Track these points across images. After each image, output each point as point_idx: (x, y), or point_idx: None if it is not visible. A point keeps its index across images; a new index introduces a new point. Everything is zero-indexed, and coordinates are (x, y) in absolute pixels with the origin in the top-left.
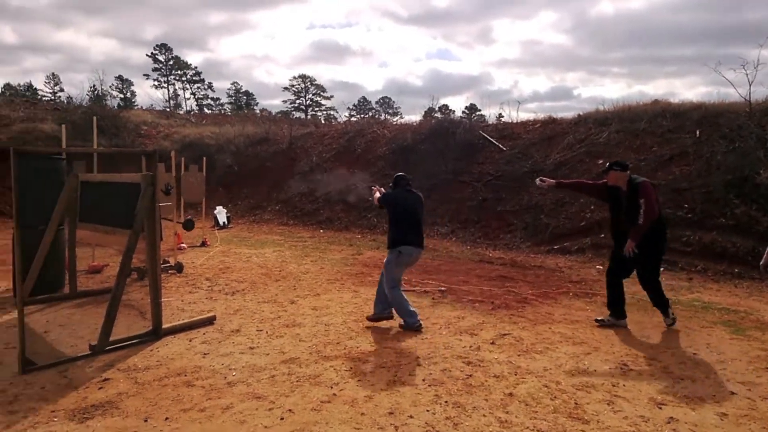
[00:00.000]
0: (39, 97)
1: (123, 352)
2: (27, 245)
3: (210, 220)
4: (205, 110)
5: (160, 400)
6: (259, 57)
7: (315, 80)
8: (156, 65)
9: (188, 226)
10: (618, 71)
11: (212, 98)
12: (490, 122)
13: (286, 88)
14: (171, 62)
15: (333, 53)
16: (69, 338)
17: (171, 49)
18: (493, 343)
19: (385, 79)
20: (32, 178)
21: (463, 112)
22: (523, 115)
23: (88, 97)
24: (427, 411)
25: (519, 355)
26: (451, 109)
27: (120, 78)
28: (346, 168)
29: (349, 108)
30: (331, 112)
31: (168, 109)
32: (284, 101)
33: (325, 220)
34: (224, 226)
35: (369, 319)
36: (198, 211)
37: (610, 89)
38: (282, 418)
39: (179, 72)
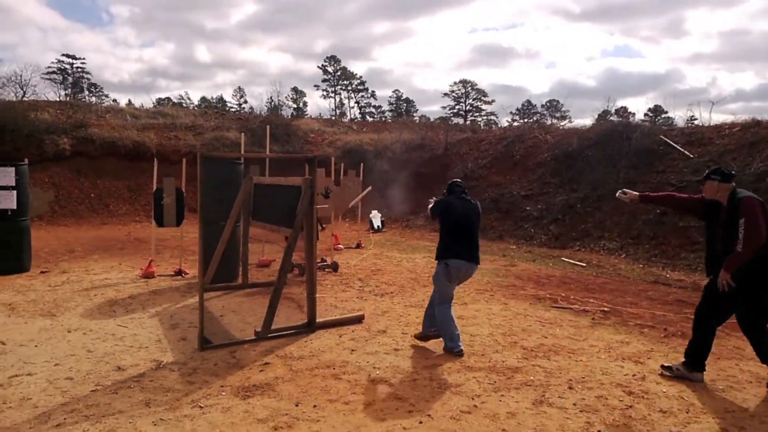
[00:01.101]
0: (227, 108)
1: (282, 340)
2: (209, 239)
3: (365, 224)
4: (367, 118)
5: (310, 389)
6: (420, 64)
7: (476, 84)
8: (325, 76)
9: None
10: None
11: (374, 106)
12: (677, 125)
13: (446, 94)
14: (338, 73)
15: (495, 56)
16: (239, 323)
17: (339, 61)
18: (662, 374)
19: (553, 80)
20: (216, 179)
21: (646, 114)
22: (720, 117)
23: (266, 108)
24: None
25: (694, 391)
26: (630, 112)
27: (295, 89)
28: (503, 175)
29: (511, 112)
30: (492, 117)
31: (333, 118)
32: (443, 107)
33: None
34: (378, 230)
35: (416, 337)
36: (355, 215)
37: None
38: (421, 422)
39: (346, 82)
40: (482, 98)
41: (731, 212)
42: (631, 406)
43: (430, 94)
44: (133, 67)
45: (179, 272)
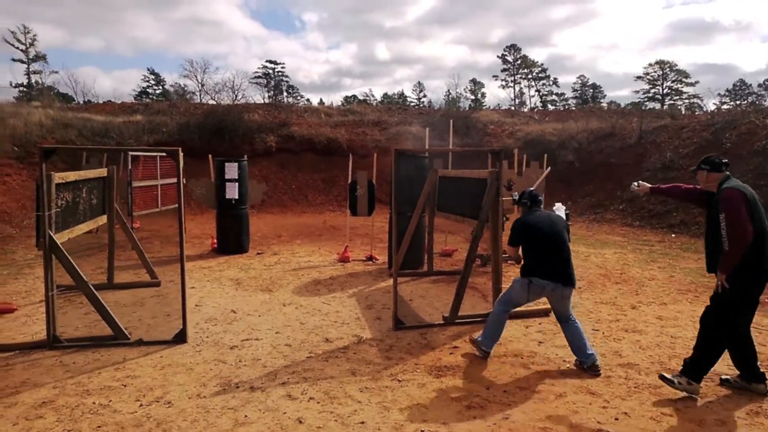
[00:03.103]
0: (407, 103)
1: (468, 327)
2: (399, 228)
3: None
4: (549, 106)
5: (500, 375)
6: (606, 46)
7: (675, 65)
8: (504, 66)
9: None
10: None
11: (556, 94)
12: None
13: (639, 77)
14: (518, 62)
15: (697, 32)
16: (427, 308)
17: (519, 49)
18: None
19: None
20: (405, 172)
21: None
22: None
23: (444, 101)
24: None
25: None
26: None
27: (473, 81)
28: None
29: (719, 94)
30: (695, 101)
31: (513, 108)
32: (636, 91)
33: (679, 223)
34: None
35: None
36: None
37: None
38: (616, 419)
39: (526, 71)
40: (683, 80)
41: (715, 205)
42: None
43: (619, 78)
44: (322, 68)
45: (370, 258)
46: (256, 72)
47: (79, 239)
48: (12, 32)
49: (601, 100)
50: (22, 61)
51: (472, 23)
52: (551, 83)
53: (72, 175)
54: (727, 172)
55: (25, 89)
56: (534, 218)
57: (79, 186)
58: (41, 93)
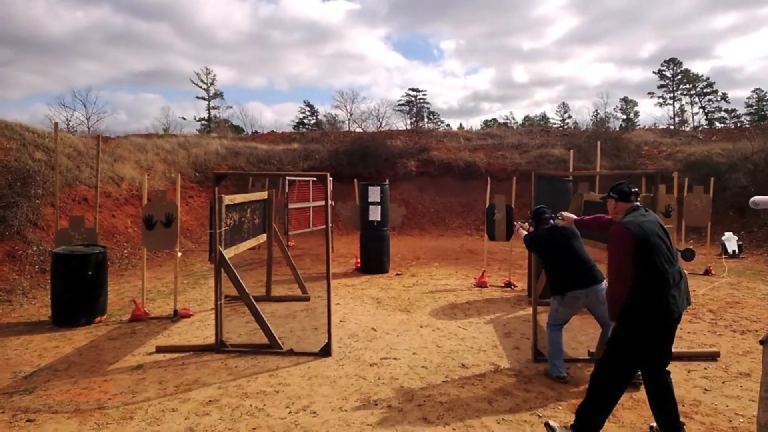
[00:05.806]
0: (549, 125)
1: None
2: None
3: (716, 247)
4: (716, 124)
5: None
6: None
7: None
8: (662, 81)
9: (688, 255)
10: None
11: (726, 110)
12: None
13: None
14: (679, 76)
15: None
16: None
17: (680, 63)
18: None
19: None
20: (547, 196)
21: None
22: None
23: (591, 122)
24: None
25: None
26: None
27: (624, 99)
28: None
29: None
30: None
31: (672, 127)
32: None
33: None
34: (734, 255)
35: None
36: (702, 237)
37: None
38: None
39: (688, 86)
40: None
41: None
42: None
43: None
44: (460, 93)
45: (508, 284)
46: (400, 100)
47: (244, 255)
48: (197, 74)
49: None
50: (204, 99)
51: (618, 39)
52: (719, 99)
53: (239, 198)
54: (636, 203)
55: (205, 122)
56: (546, 235)
57: (244, 207)
58: (218, 125)
